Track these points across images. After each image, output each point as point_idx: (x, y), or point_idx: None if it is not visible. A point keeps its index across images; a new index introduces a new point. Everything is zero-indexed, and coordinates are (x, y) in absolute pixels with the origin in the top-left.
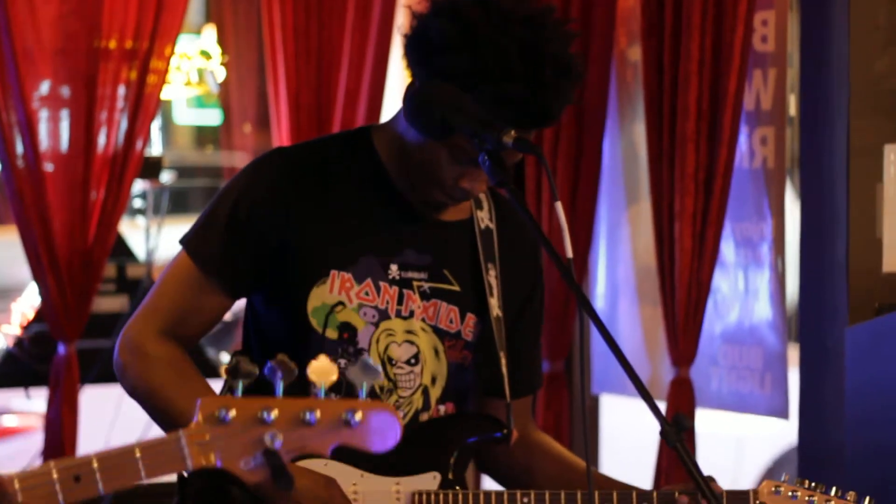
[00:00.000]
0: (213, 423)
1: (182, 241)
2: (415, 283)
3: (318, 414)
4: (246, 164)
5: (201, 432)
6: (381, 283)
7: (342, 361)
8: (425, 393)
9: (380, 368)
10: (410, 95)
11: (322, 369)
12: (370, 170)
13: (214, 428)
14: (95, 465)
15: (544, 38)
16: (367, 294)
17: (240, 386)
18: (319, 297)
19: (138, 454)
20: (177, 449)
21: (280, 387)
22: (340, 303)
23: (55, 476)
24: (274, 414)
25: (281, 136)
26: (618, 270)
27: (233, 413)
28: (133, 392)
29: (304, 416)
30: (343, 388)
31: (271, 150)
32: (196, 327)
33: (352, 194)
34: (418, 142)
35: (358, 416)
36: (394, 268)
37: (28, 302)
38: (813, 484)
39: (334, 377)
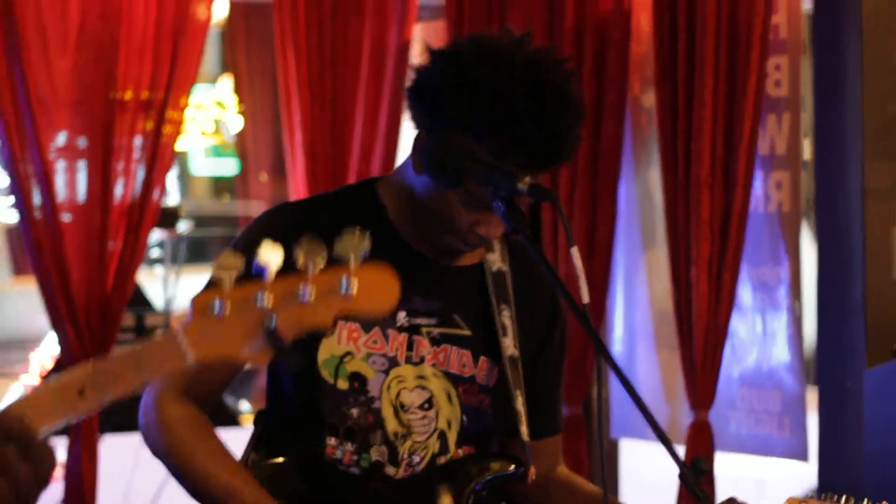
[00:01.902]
0: (209, 317)
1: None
2: (424, 329)
3: (311, 289)
4: (255, 218)
5: (198, 327)
6: (390, 331)
7: (354, 411)
8: (442, 437)
9: (367, 238)
10: (422, 146)
11: (268, 252)
12: (374, 220)
13: (211, 321)
14: (97, 373)
15: (545, 76)
16: (375, 342)
17: (229, 277)
18: (328, 348)
19: (137, 356)
20: (175, 345)
21: (268, 273)
22: (349, 353)
23: (57, 392)
24: (267, 296)
25: (297, 185)
26: (635, 315)
27: (227, 302)
28: (156, 453)
29: (298, 293)
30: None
31: (277, 204)
32: (213, 383)
33: None
34: (429, 191)
35: (353, 282)
36: (402, 315)
37: (47, 351)
38: (836, 496)
39: (280, 255)
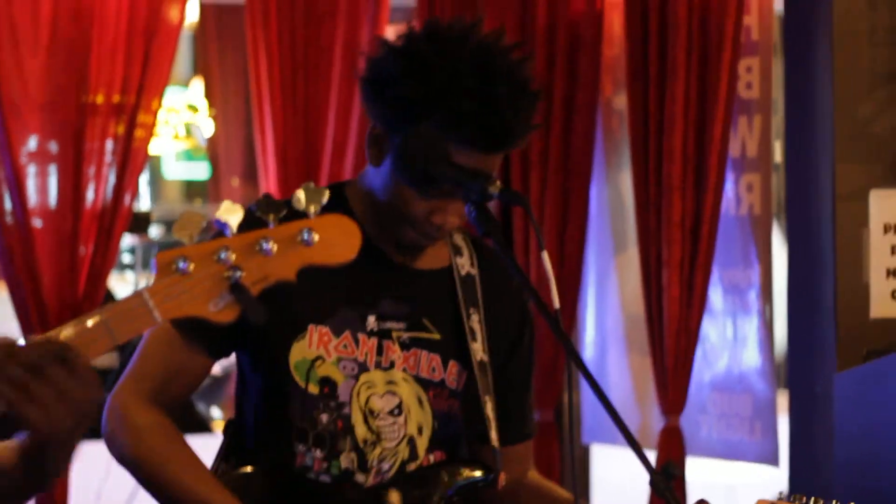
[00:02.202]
0: (173, 275)
1: None
2: (394, 334)
3: (272, 242)
4: None
5: (163, 285)
6: (360, 336)
7: (324, 416)
8: (411, 443)
9: (324, 190)
10: (377, 139)
11: (228, 210)
12: None
13: (175, 279)
14: (68, 340)
15: (496, 57)
16: (345, 347)
17: (190, 235)
18: (300, 351)
19: (105, 320)
20: (142, 305)
21: (229, 230)
22: (319, 357)
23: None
24: (230, 251)
25: (269, 188)
26: (606, 319)
27: (189, 260)
28: (121, 460)
29: (259, 246)
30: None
31: (246, 210)
32: (179, 389)
33: None
34: (384, 183)
35: (313, 233)
36: (371, 319)
37: None
38: (805, 498)
39: (240, 212)
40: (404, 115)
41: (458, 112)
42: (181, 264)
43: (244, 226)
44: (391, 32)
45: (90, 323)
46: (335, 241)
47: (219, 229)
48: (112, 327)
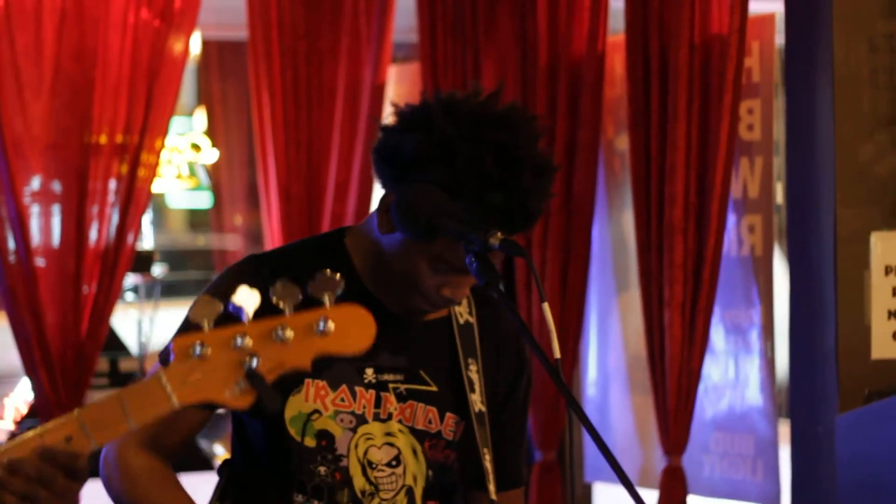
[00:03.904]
0: (190, 359)
1: (160, 355)
2: (391, 386)
3: (289, 329)
4: (221, 272)
5: (180, 370)
6: (357, 388)
7: (322, 469)
8: (409, 494)
9: (341, 279)
10: (390, 205)
11: (244, 294)
12: (342, 273)
13: (192, 363)
14: (83, 421)
15: (517, 140)
16: (342, 400)
17: (207, 320)
18: (296, 406)
19: (123, 402)
20: (159, 389)
21: (245, 315)
22: (316, 411)
23: (46, 441)
24: (246, 338)
25: (272, 226)
26: (608, 358)
27: (207, 346)
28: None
29: (276, 334)
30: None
31: (245, 257)
32: (174, 438)
33: None
34: (396, 251)
35: (329, 322)
36: (369, 371)
37: (21, 397)
38: None
39: (299, 297)
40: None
41: (484, 203)
42: (198, 349)
43: (260, 312)
44: (393, 72)
45: (106, 402)
46: (350, 332)
47: (235, 314)
48: (128, 408)
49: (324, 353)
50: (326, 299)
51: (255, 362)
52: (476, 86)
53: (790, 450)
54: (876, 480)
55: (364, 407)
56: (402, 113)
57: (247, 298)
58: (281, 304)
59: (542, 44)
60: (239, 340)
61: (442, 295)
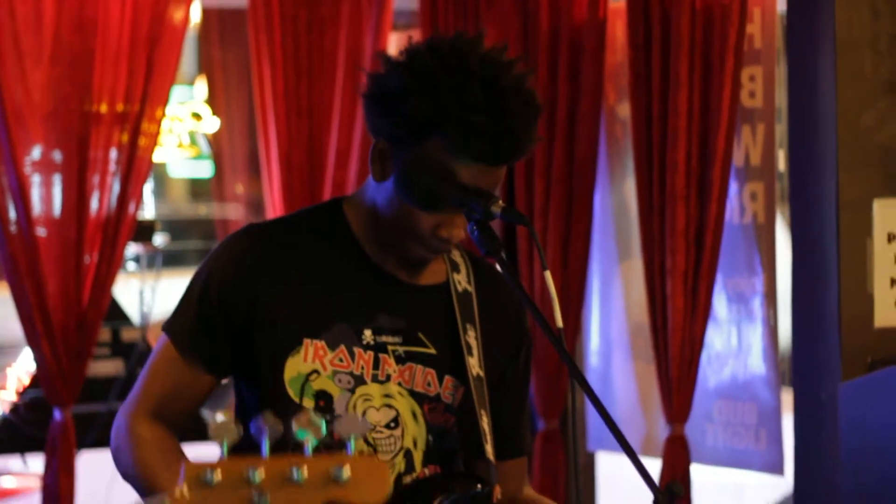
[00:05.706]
0: (199, 486)
1: (164, 325)
2: (389, 348)
3: (305, 471)
4: (220, 242)
5: (187, 496)
6: (356, 349)
7: None
8: (408, 456)
9: (368, 422)
10: (380, 154)
11: (308, 422)
12: (341, 240)
13: (201, 491)
14: None
15: (502, 70)
16: (340, 360)
17: (224, 445)
18: (294, 367)
19: None
20: None
21: (266, 445)
22: (315, 371)
23: None
24: (260, 473)
25: (273, 195)
26: (611, 326)
27: (218, 474)
28: (125, 475)
29: (291, 473)
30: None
31: (243, 227)
32: (183, 406)
33: (322, 265)
34: (389, 199)
35: (346, 471)
36: (367, 333)
37: (23, 367)
38: None
39: (322, 433)
40: (411, 131)
41: (468, 125)
42: (209, 476)
43: (276, 448)
44: (394, 39)
45: None
46: (365, 485)
47: (255, 436)
48: None
49: (334, 501)
50: (351, 443)
51: (264, 501)
52: (459, 31)
53: (793, 418)
54: (879, 448)
55: (362, 368)
56: (387, 59)
57: (271, 430)
58: (301, 442)
59: (543, 10)
60: (252, 474)
61: (438, 236)
